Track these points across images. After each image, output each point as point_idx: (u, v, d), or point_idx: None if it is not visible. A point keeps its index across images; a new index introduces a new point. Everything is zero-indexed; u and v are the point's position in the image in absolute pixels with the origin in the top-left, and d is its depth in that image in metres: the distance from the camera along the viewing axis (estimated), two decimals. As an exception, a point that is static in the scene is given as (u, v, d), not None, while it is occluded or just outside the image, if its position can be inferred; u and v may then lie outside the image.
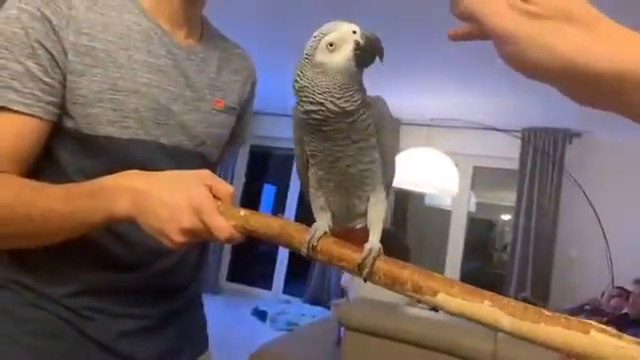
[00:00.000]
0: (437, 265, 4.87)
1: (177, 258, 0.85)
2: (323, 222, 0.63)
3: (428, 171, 3.51)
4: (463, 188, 4.41)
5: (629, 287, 3.40)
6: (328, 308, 4.36)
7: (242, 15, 3.00)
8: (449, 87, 3.84)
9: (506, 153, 4.54)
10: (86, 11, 0.73)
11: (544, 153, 4.34)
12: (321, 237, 0.61)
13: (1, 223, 0.68)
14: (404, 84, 3.89)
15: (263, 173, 7.77)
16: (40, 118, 0.71)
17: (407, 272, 0.56)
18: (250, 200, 6.72)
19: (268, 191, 8.15)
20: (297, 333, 3.16)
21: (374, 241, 0.60)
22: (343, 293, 3.49)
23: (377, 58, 0.57)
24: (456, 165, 3.77)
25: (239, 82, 0.93)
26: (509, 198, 4.80)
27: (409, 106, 4.35)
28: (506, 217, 6.76)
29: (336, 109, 0.57)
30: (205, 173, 0.66)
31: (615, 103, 0.39)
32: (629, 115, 0.39)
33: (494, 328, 0.51)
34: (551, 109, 3.96)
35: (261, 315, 4.55)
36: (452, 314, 0.54)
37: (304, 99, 0.58)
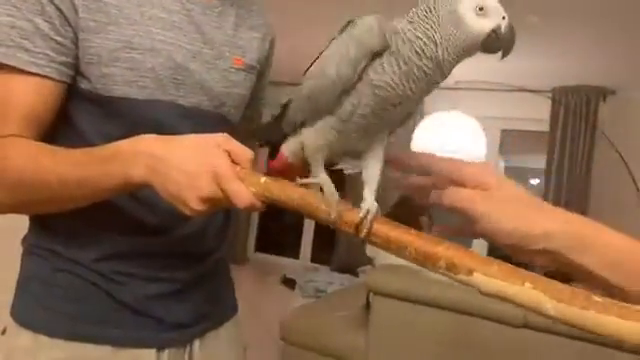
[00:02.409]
0: (465, 231, 4.82)
1: (203, 222, 0.84)
2: (333, 189, 0.59)
3: (455, 136, 3.44)
4: (491, 152, 4.31)
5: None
6: (356, 275, 4.38)
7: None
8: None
9: (535, 114, 4.38)
10: None
11: (576, 113, 4.17)
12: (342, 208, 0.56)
13: (19, 190, 0.68)
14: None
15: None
16: (54, 79, 0.69)
17: (441, 248, 0.52)
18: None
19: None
20: (326, 300, 3.19)
21: (370, 200, 0.56)
22: (370, 262, 3.49)
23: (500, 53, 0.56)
24: (483, 129, 3.68)
25: (258, 39, 0.90)
26: (539, 162, 4.67)
27: (434, 69, 4.24)
28: (535, 181, 6.61)
29: (440, 59, 0.54)
30: (223, 137, 0.63)
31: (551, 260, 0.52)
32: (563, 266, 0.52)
33: (537, 313, 0.47)
34: (583, 66, 3.80)
35: (290, 283, 4.61)
36: (488, 295, 0.50)
37: (424, 29, 0.54)
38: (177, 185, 0.59)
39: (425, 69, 0.54)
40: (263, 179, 0.61)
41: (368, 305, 2.23)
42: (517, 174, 6.81)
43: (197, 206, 0.59)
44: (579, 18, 2.89)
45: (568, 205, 4.16)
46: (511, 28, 0.54)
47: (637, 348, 0.43)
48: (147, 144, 0.63)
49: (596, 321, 0.44)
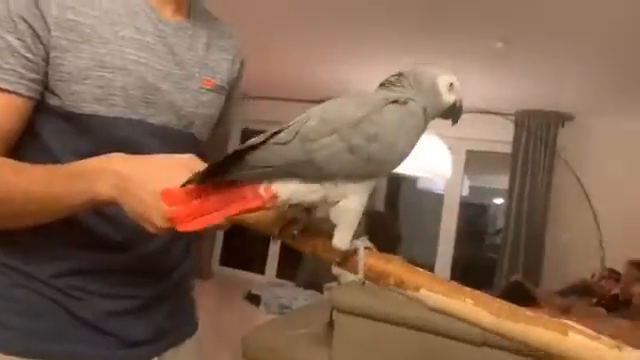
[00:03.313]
0: (429, 250, 4.89)
1: (166, 240, 0.84)
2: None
3: (421, 155, 3.49)
4: (456, 172, 4.41)
5: (619, 269, 3.43)
6: (321, 292, 4.37)
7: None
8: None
9: (499, 136, 4.53)
10: None
11: (537, 136, 4.33)
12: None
13: None
14: (395, 69, 3.86)
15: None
16: (22, 95, 0.69)
17: (391, 266, 0.56)
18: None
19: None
20: (289, 316, 3.18)
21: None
22: (336, 279, 3.50)
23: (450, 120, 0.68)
24: (449, 149, 3.77)
25: (228, 60, 0.91)
26: (502, 182, 4.81)
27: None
28: (499, 201, 6.79)
29: (427, 121, 0.65)
30: (189, 158, 0.65)
31: None
32: None
33: (475, 326, 0.52)
34: (544, 91, 3.96)
35: (254, 299, 4.56)
36: (433, 310, 0.54)
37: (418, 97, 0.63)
38: (143, 204, 0.60)
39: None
40: None
41: (332, 322, 2.23)
42: (481, 194, 6.97)
43: (162, 224, 0.60)
44: (541, 46, 3.02)
45: (528, 224, 4.30)
46: (462, 103, 0.67)
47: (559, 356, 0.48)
48: (114, 163, 0.64)
49: (524, 332, 0.49)
